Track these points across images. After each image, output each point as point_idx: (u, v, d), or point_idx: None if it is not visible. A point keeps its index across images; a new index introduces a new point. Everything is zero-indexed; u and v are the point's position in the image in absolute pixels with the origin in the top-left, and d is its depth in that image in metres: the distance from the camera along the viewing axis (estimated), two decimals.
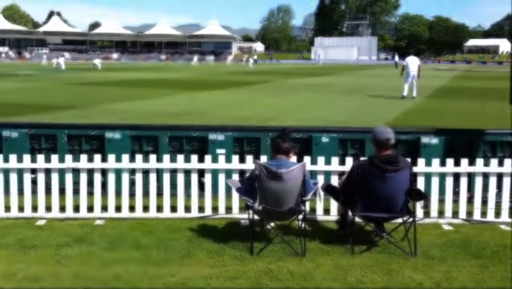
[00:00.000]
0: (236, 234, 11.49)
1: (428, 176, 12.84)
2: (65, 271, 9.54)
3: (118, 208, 12.89)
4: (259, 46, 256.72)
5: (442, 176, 12.83)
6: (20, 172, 12.92)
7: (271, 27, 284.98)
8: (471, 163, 12.96)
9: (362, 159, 11.84)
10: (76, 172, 13.11)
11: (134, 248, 10.72)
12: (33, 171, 13.09)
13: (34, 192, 12.96)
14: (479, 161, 12.98)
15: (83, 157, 12.91)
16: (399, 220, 10.93)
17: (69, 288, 8.85)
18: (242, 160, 13.27)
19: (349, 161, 12.70)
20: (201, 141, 14.95)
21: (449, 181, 12.81)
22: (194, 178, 12.99)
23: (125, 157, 12.97)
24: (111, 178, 12.91)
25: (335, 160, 12.97)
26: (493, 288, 8.99)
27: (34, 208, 12.94)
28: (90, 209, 12.92)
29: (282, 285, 9.03)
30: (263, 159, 12.45)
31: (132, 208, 12.92)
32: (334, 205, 12.80)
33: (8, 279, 9.17)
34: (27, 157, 12.92)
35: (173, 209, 13.03)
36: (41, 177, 12.87)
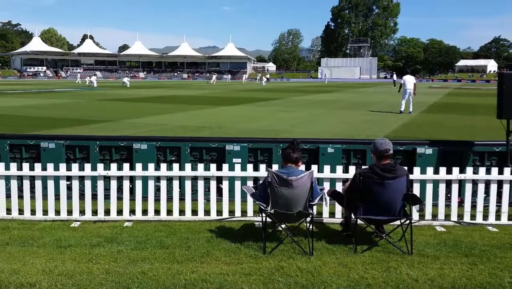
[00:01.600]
0: (251, 234, 11.48)
1: (423, 183, 12.83)
2: (97, 268, 9.55)
3: (144, 211, 12.91)
4: (271, 66, 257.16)
5: (436, 183, 12.82)
6: (56, 179, 12.95)
7: (282, 49, 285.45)
8: (462, 171, 12.95)
9: (363, 167, 11.81)
10: (107, 179, 13.16)
11: (159, 247, 10.73)
12: (68, 178, 13.13)
13: (69, 197, 13.01)
14: (469, 169, 12.97)
15: (113, 166, 12.93)
16: (397, 222, 10.92)
17: (101, 284, 8.87)
18: (256, 168, 13.29)
19: (352, 169, 12.70)
20: (219, 152, 14.97)
21: (442, 187, 12.79)
22: (213, 184, 12.99)
23: (151, 166, 12.99)
24: (138, 184, 12.94)
25: (339, 168, 12.97)
26: (481, 283, 8.96)
27: (69, 212, 12.98)
28: (120, 212, 12.95)
29: (292, 280, 9.01)
30: (275, 167, 12.44)
31: (157, 212, 12.93)
32: (338, 209, 12.80)
33: (46, 274, 9.18)
34: (63, 166, 12.95)
35: (194, 212, 13.04)
36: (75, 184, 12.91)
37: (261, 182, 11.80)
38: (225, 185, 13.08)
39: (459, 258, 10.26)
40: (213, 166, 13.01)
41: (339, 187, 12.63)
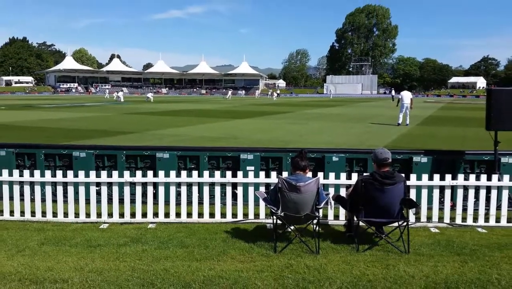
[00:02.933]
0: (263, 235, 11.49)
1: (418, 188, 12.82)
2: (123, 265, 9.58)
3: (166, 214, 12.95)
4: (281, 83, 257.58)
5: (430, 188, 12.81)
6: (87, 185, 13.02)
7: (291, 67, 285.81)
8: (454, 177, 12.94)
9: (365, 174, 11.81)
10: (132, 185, 13.20)
11: (179, 246, 10.74)
12: (98, 184, 13.18)
13: (98, 201, 13.06)
14: (460, 176, 12.96)
15: (139, 173, 12.98)
16: (395, 224, 10.91)
17: (127, 280, 8.90)
18: (267, 175, 13.30)
19: (355, 176, 12.72)
20: (234, 160, 14.98)
21: (436, 192, 12.77)
22: (229, 190, 13.01)
23: (173, 173, 13.03)
24: (161, 190, 12.98)
25: (343, 175, 12.97)
26: (471, 279, 8.95)
27: (98, 214, 13.03)
28: (144, 215, 12.98)
29: (300, 277, 9.02)
30: (285, 174, 12.44)
31: (178, 214, 12.96)
32: (342, 212, 12.79)
33: (78, 271, 9.21)
34: (92, 173, 13.02)
35: (212, 215, 13.07)
36: (104, 189, 12.96)
37: (272, 187, 11.81)
38: (239, 190, 13.10)
39: (452, 256, 10.24)
40: (228, 173, 13.05)
41: (343, 192, 12.62)
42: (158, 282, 8.78)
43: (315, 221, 10.75)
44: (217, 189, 13.08)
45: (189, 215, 13.03)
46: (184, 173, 13.13)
